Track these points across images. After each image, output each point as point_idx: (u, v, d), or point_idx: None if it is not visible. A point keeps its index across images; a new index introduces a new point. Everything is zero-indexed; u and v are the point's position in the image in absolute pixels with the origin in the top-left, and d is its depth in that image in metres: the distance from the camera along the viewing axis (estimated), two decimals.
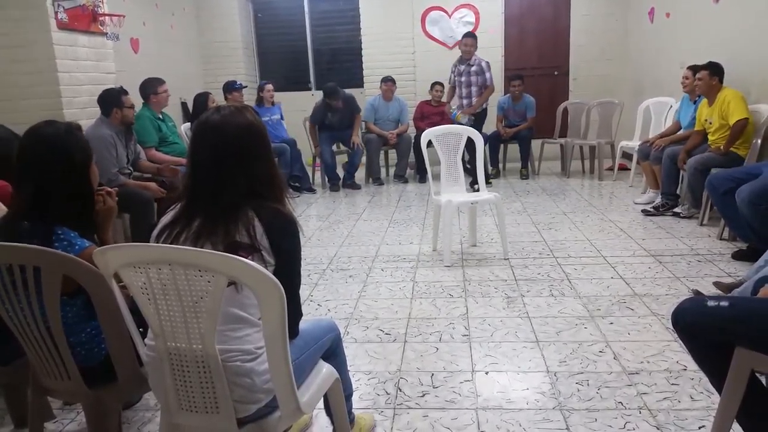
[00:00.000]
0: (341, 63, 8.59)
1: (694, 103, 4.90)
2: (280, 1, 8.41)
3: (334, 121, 6.67)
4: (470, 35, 6.25)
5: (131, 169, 4.22)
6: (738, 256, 3.60)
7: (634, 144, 5.89)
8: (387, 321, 2.92)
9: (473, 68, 6.14)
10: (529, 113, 6.88)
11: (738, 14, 4.80)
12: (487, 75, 6.14)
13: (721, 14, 5.07)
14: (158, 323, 1.40)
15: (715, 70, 4.44)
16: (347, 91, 6.81)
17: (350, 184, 6.68)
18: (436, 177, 4.14)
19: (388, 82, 6.92)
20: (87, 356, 1.72)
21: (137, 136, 4.68)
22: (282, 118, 6.74)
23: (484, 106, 6.25)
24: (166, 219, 1.55)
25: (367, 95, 7.69)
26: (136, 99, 4.87)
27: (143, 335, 1.53)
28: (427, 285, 3.41)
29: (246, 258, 1.33)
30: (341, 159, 7.05)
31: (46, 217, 1.70)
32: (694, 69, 4.75)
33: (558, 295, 3.16)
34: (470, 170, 5.73)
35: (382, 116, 6.97)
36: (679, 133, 5.07)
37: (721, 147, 4.27)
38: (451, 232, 3.86)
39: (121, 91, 4.13)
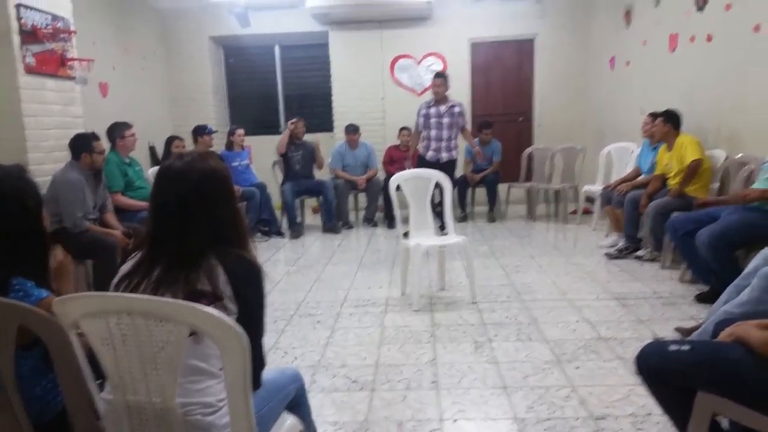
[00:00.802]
0: (311, 108, 8.69)
1: (654, 148, 5.09)
2: (251, 47, 8.53)
3: (297, 163, 6.70)
4: (440, 75, 6.05)
5: (97, 215, 4.17)
6: (700, 298, 3.67)
7: (596, 188, 6.05)
8: (355, 368, 2.89)
9: (456, 109, 5.99)
10: (495, 157, 7.06)
11: (693, 63, 5.05)
12: (466, 117, 6.19)
13: (678, 63, 5.33)
14: (117, 375, 1.37)
15: (670, 117, 4.64)
16: (317, 135, 6.87)
17: (330, 227, 6.65)
18: (406, 221, 4.17)
19: (351, 132, 7.01)
20: (42, 411, 1.65)
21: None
22: (251, 162, 6.76)
23: (455, 155, 6.12)
24: (125, 268, 1.53)
25: (337, 139, 7.78)
26: (104, 143, 4.84)
27: (101, 388, 1.49)
28: (395, 330, 3.39)
29: (207, 307, 1.32)
30: (310, 202, 7.08)
31: (1, 267, 1.65)
32: (654, 116, 4.97)
33: (525, 339, 3.17)
34: (439, 214, 5.79)
35: (350, 162, 7.04)
36: (639, 178, 5.23)
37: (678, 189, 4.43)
38: (419, 276, 3.87)
39: (93, 136, 4.12)
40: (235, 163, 6.43)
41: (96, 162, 4.08)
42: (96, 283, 3.82)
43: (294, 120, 6.73)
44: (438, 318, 3.57)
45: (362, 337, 3.30)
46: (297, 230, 6.54)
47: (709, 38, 4.75)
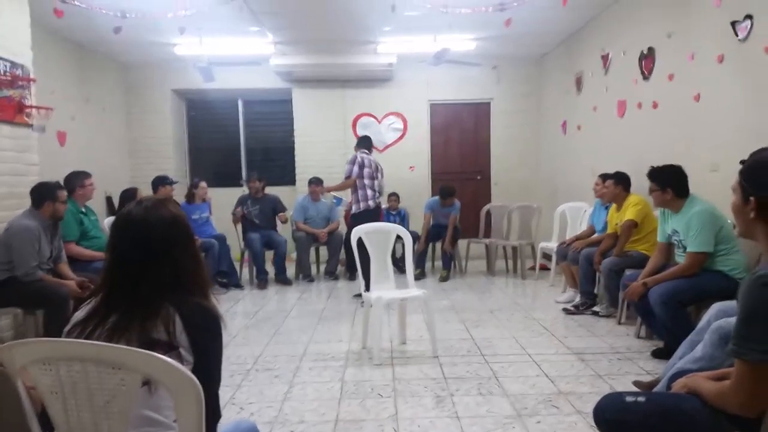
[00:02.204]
0: (274, 161, 8.75)
1: (606, 207, 5.27)
2: (214, 101, 8.59)
3: (255, 217, 6.74)
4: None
5: (51, 264, 4.04)
6: (656, 354, 3.72)
7: (552, 245, 6.20)
8: (313, 425, 2.81)
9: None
10: (453, 212, 7.12)
11: (640, 127, 5.33)
12: (347, 167, 5.82)
13: (626, 127, 5.61)
14: (66, 425, 1.30)
15: (621, 179, 4.85)
16: (278, 188, 6.88)
17: (282, 279, 6.59)
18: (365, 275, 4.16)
19: (314, 184, 7.07)
20: None
21: None
22: (210, 214, 6.70)
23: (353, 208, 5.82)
24: (79, 315, 1.49)
25: (299, 192, 7.81)
26: None
27: None
28: (356, 384, 3.33)
29: (162, 355, 1.28)
30: (268, 255, 6.99)
31: None
32: (604, 177, 5.17)
33: (486, 393, 3.15)
34: (401, 268, 5.80)
35: (312, 215, 7.06)
36: (593, 236, 5.39)
37: (628, 251, 4.58)
38: (380, 330, 3.84)
39: (58, 186, 4.08)
40: (195, 216, 6.36)
41: (58, 211, 4.02)
42: (46, 334, 3.65)
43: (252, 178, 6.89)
44: (399, 372, 3.52)
45: (321, 392, 3.22)
46: (263, 280, 6.47)
47: (655, 105, 5.04)
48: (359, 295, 5.12)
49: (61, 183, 4.20)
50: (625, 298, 4.07)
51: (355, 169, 5.75)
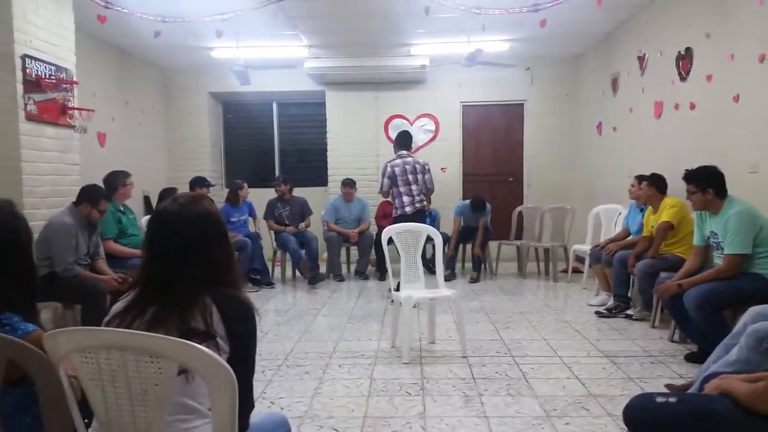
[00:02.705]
0: (307, 162, 8.86)
1: (641, 210, 5.19)
2: (250, 103, 8.74)
3: (286, 218, 6.84)
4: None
5: (88, 260, 4.17)
6: (690, 358, 3.66)
7: (585, 248, 6.12)
8: (342, 420, 2.84)
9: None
10: (483, 216, 7.09)
11: (677, 129, 5.23)
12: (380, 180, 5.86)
13: (663, 128, 5.51)
14: (105, 412, 1.36)
15: (655, 181, 4.76)
16: (311, 189, 6.96)
17: (312, 278, 6.64)
18: (397, 274, 4.19)
19: (348, 186, 7.12)
20: None
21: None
22: (251, 215, 6.87)
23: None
24: (118, 307, 1.54)
25: (331, 193, 7.89)
26: None
27: (87, 426, 1.47)
28: (384, 382, 3.35)
29: (198, 344, 1.33)
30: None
31: None
32: (640, 179, 5.09)
33: (515, 394, 3.14)
34: (431, 269, 5.81)
35: (343, 216, 7.12)
36: (628, 238, 5.30)
37: (663, 254, 4.49)
38: (410, 329, 3.86)
39: (103, 194, 4.19)
40: (234, 219, 6.52)
41: (93, 216, 4.12)
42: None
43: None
44: (428, 371, 3.53)
45: (351, 389, 3.26)
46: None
47: (692, 106, 4.93)
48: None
49: (107, 194, 4.31)
50: (656, 294, 3.99)
51: (386, 181, 5.80)
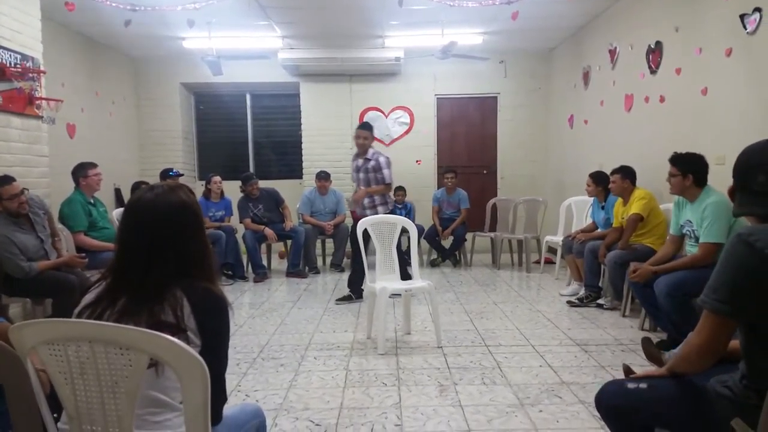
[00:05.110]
0: (281, 155, 8.79)
1: (602, 207, 5.33)
2: (223, 95, 8.63)
3: (260, 215, 6.75)
4: (364, 126, 5.35)
5: (46, 249, 3.93)
6: (659, 346, 3.73)
7: (558, 239, 6.20)
8: (318, 411, 2.84)
9: (371, 164, 5.19)
10: (462, 205, 7.22)
11: (647, 121, 5.32)
12: (385, 172, 5.19)
13: (634, 121, 5.60)
14: (74, 405, 1.33)
15: (625, 173, 4.83)
16: (285, 182, 6.91)
17: (295, 272, 6.63)
18: (372, 266, 4.19)
19: (323, 179, 7.09)
20: None
21: (67, 221, 4.56)
22: (229, 213, 6.79)
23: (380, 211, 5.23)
24: (88, 298, 1.51)
25: (306, 186, 7.85)
26: (68, 184, 4.78)
27: (56, 421, 1.44)
28: (360, 373, 3.36)
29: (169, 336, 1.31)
30: (278, 246, 7.07)
31: None
32: (595, 177, 5.29)
33: (489, 383, 3.18)
34: (406, 260, 5.82)
35: (319, 208, 7.09)
36: (596, 231, 5.39)
37: (633, 244, 4.58)
38: (385, 320, 3.87)
39: (3, 179, 3.74)
40: (210, 214, 6.44)
41: (8, 208, 3.71)
42: None
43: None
44: (403, 362, 3.55)
45: (326, 380, 3.26)
46: (261, 274, 6.50)
47: (662, 99, 5.02)
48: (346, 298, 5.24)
49: (10, 176, 3.84)
50: (630, 278, 4.04)
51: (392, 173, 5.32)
